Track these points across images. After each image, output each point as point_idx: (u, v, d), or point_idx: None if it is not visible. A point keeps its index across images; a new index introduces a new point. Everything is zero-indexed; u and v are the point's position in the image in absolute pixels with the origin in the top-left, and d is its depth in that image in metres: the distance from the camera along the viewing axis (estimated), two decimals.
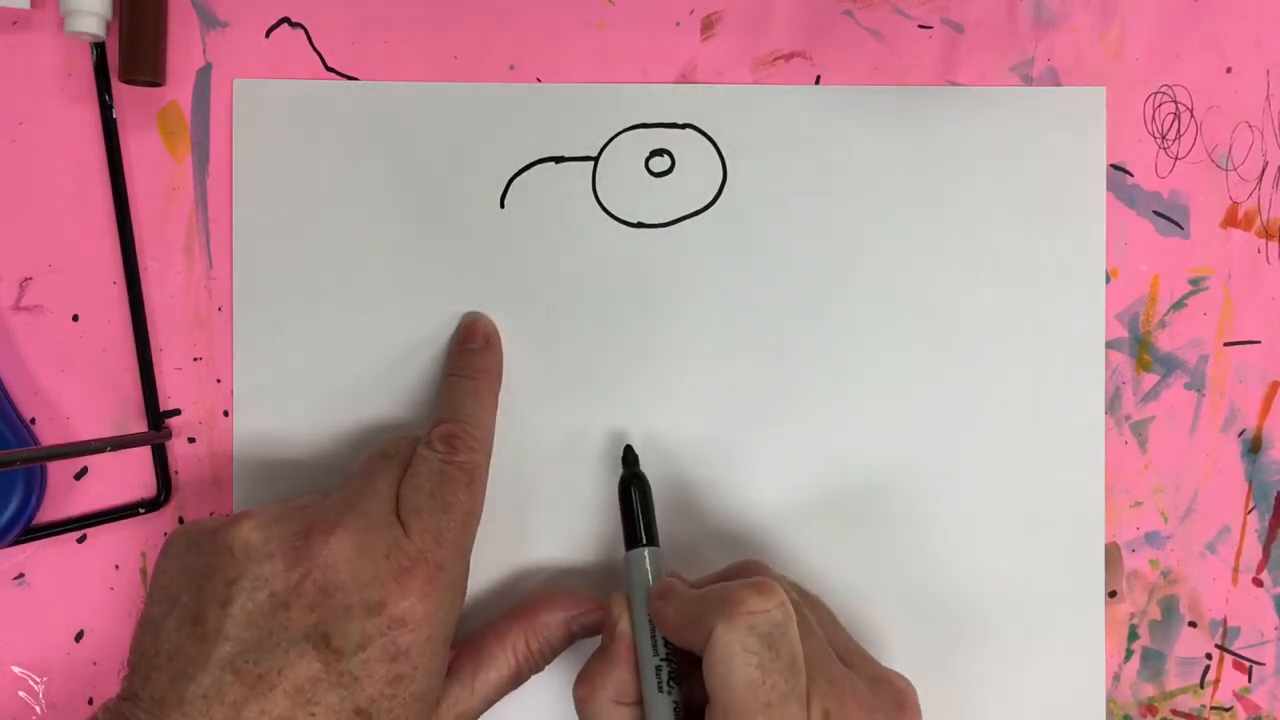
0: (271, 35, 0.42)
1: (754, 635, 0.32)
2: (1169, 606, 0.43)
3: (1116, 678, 0.43)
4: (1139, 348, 0.43)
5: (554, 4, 0.42)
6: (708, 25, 0.42)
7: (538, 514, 0.42)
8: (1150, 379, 0.43)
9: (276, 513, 0.35)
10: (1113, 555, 0.43)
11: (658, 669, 0.35)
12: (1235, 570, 0.43)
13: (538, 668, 0.39)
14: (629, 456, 0.40)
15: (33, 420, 0.41)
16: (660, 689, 0.35)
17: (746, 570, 0.37)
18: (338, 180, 0.41)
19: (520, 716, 0.41)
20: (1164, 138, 0.43)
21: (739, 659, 0.32)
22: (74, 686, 0.42)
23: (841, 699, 0.33)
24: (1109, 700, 0.43)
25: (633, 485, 0.39)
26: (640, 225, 0.42)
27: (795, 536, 0.42)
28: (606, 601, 0.40)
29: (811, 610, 0.36)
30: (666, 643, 0.36)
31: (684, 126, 0.42)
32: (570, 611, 0.39)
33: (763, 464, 0.42)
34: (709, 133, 0.42)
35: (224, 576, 0.33)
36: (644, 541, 0.38)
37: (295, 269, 0.41)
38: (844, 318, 0.42)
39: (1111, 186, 0.43)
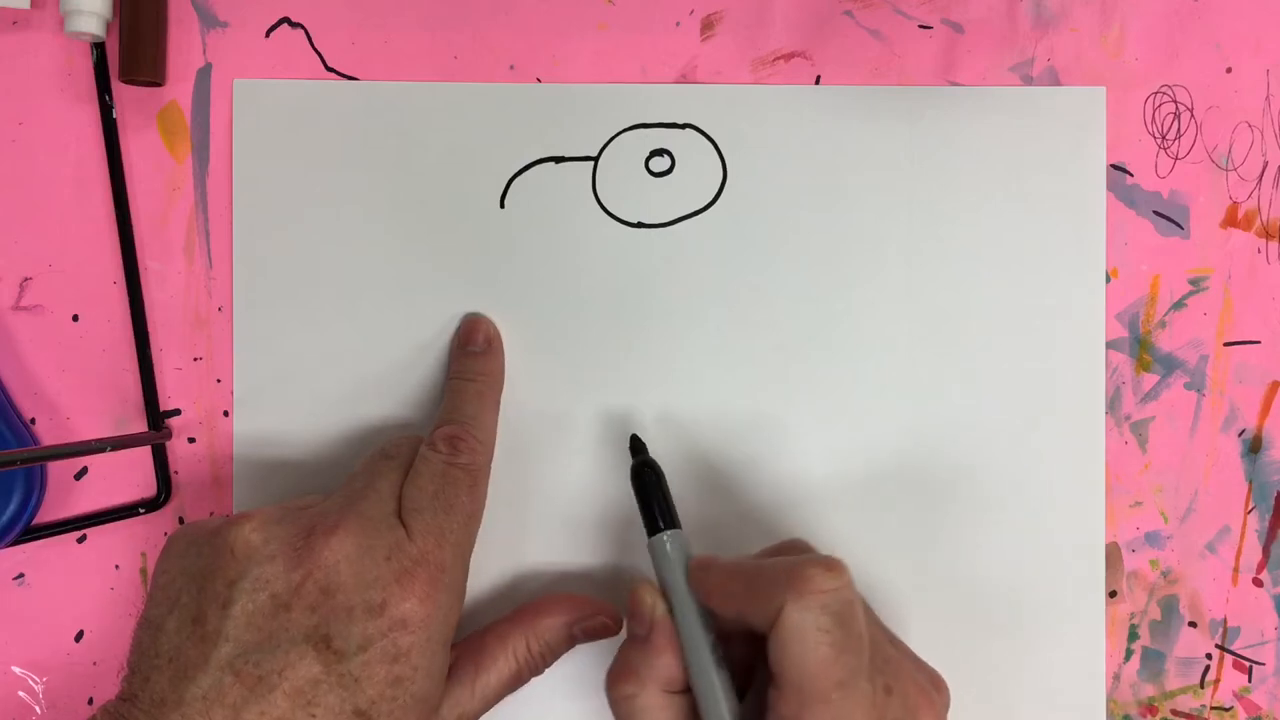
0: (271, 35, 0.42)
1: (827, 614, 0.32)
2: (1169, 606, 0.43)
3: (1116, 677, 0.43)
4: (1139, 348, 0.43)
5: (554, 4, 0.42)
6: (708, 25, 0.42)
7: (539, 515, 0.42)
8: (1150, 379, 0.43)
9: (277, 513, 0.35)
10: (1113, 555, 0.43)
11: (714, 647, 0.35)
12: (1235, 570, 0.43)
13: (538, 671, 0.39)
14: (636, 444, 0.40)
15: (33, 420, 0.41)
16: (718, 665, 0.34)
17: (793, 550, 0.36)
18: (338, 180, 0.41)
19: (520, 717, 0.41)
20: (1164, 138, 0.43)
21: (812, 637, 0.31)
22: (74, 686, 0.42)
23: (899, 675, 0.33)
24: (1109, 700, 0.43)
25: (645, 472, 0.38)
26: (640, 225, 0.42)
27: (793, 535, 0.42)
28: (608, 605, 0.40)
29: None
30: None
31: (684, 126, 0.42)
32: (572, 615, 0.39)
33: (760, 463, 0.42)
34: (709, 133, 0.42)
35: (225, 577, 0.33)
36: (665, 526, 0.37)
37: (295, 269, 0.41)
38: (844, 318, 0.42)
39: (1111, 186, 0.43)
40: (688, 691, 0.35)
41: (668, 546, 0.37)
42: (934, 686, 0.35)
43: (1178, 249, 0.43)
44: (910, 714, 0.33)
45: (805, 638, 0.32)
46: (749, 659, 0.35)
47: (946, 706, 0.35)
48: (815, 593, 0.32)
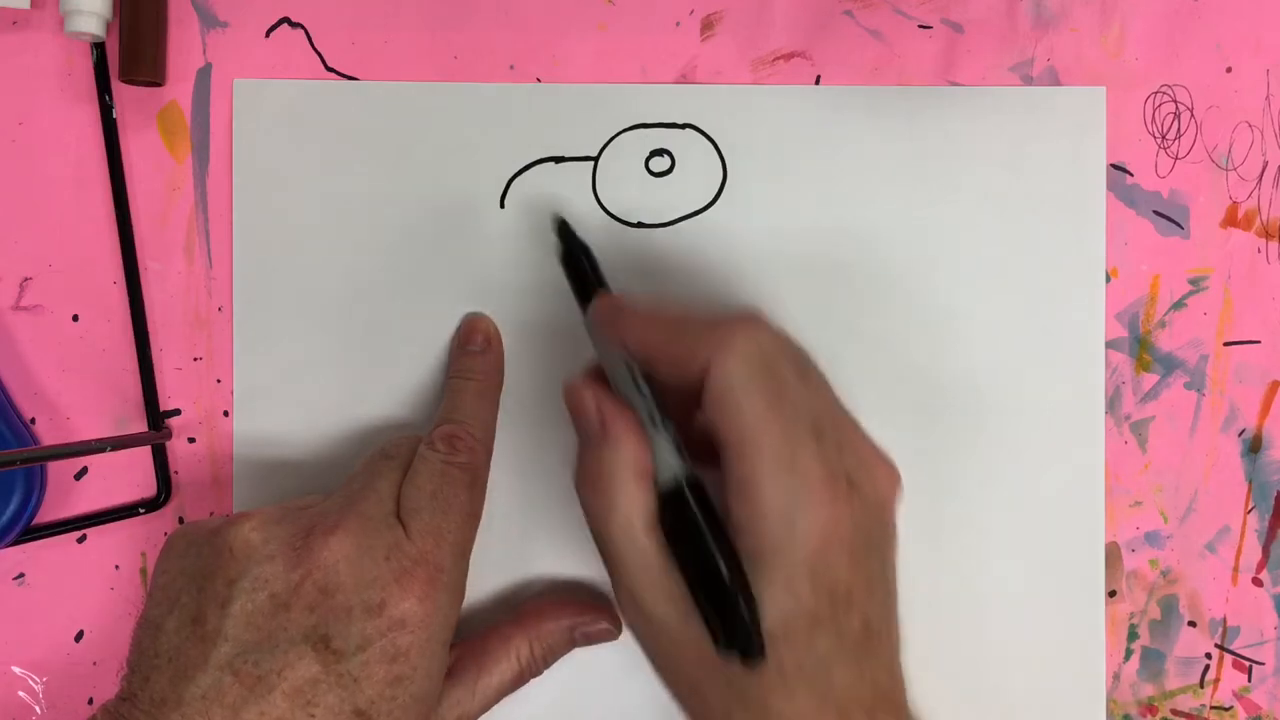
0: (271, 35, 0.42)
1: (754, 365, 0.32)
2: (1169, 606, 0.43)
3: (1116, 677, 0.43)
4: (1139, 348, 0.43)
5: (554, 4, 0.42)
6: (708, 25, 0.42)
7: (540, 515, 0.42)
8: (1150, 379, 0.43)
9: (277, 513, 0.35)
10: (1113, 555, 0.43)
11: (657, 406, 0.33)
12: (1235, 570, 0.43)
13: (538, 672, 0.39)
14: (564, 229, 0.39)
15: (33, 420, 0.41)
16: (657, 424, 0.33)
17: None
18: (338, 180, 0.41)
19: (519, 715, 0.41)
20: (1164, 138, 0.43)
21: (743, 389, 0.31)
22: (74, 686, 0.42)
23: (852, 435, 0.33)
24: (1109, 700, 0.43)
25: (579, 251, 0.38)
26: (640, 225, 0.42)
27: None
28: (609, 609, 0.40)
29: (807, 364, 0.35)
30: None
31: (684, 126, 0.42)
32: (574, 619, 0.39)
33: None
34: (709, 133, 0.42)
35: (224, 577, 0.33)
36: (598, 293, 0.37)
37: (295, 269, 0.41)
38: (844, 318, 0.42)
39: (1111, 186, 0.43)
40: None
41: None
42: (888, 460, 0.34)
43: (1178, 249, 0.43)
44: (867, 471, 0.33)
45: (737, 391, 0.31)
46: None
47: (900, 482, 0.34)
48: (740, 347, 0.32)
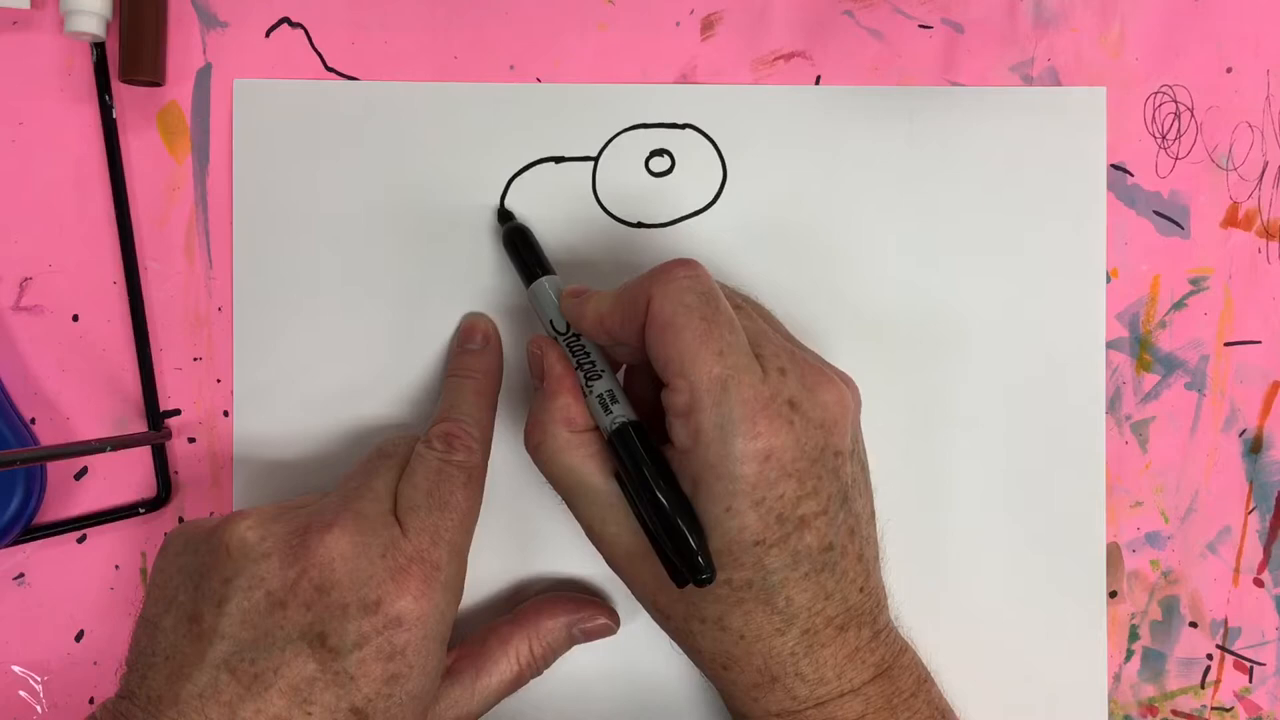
0: (271, 35, 0.42)
1: (691, 293, 0.33)
2: (1170, 607, 0.43)
3: (1117, 678, 0.43)
4: (1139, 348, 0.43)
5: (554, 4, 0.42)
6: (708, 25, 0.42)
7: (539, 515, 0.42)
8: (1150, 379, 0.43)
9: (273, 511, 0.35)
10: (1113, 555, 0.43)
11: (603, 370, 0.36)
12: (1236, 570, 0.43)
13: (538, 672, 0.39)
14: (505, 214, 0.41)
15: (33, 420, 0.41)
16: (599, 376, 0.36)
17: None
18: (338, 180, 0.41)
19: (518, 715, 0.41)
20: (1164, 138, 0.43)
21: (682, 315, 0.33)
22: (74, 686, 0.42)
23: (795, 360, 0.34)
24: (1109, 700, 0.43)
25: (514, 233, 0.40)
26: (640, 225, 0.42)
27: None
28: (608, 606, 0.40)
29: (753, 305, 0.37)
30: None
31: (684, 126, 0.42)
32: (572, 616, 0.39)
33: None
34: (709, 133, 0.42)
35: (220, 575, 0.33)
36: (542, 273, 0.39)
37: (295, 269, 0.41)
38: (843, 318, 0.42)
39: (1111, 186, 0.43)
40: (597, 429, 0.36)
41: (547, 288, 0.39)
42: (841, 380, 0.35)
43: (1178, 249, 0.43)
44: (809, 391, 0.34)
45: (676, 316, 0.33)
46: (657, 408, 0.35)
47: (856, 399, 0.35)
48: (677, 281, 0.33)
